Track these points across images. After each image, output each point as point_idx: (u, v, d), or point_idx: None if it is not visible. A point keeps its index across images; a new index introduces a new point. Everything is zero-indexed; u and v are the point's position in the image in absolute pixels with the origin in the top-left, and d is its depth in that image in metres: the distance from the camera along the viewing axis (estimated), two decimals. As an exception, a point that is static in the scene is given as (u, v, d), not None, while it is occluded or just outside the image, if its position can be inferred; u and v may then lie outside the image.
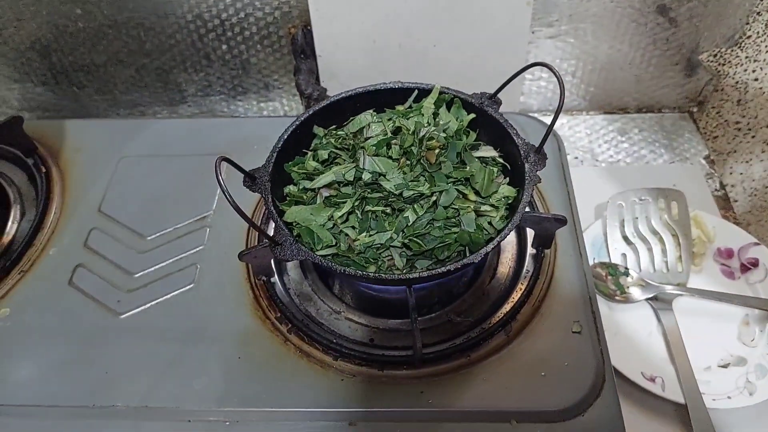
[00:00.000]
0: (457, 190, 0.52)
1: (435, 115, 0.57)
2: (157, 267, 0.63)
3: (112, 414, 0.53)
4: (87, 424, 0.52)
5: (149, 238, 0.65)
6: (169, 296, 0.60)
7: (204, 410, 0.52)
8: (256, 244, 0.63)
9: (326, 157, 0.56)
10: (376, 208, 0.52)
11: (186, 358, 0.55)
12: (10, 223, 0.69)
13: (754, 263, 0.68)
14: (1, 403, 0.54)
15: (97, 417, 0.53)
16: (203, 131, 0.76)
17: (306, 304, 0.60)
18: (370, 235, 0.51)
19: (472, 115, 0.58)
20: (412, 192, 0.51)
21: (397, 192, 0.51)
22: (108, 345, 0.57)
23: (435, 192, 0.52)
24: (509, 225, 0.49)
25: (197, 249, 0.64)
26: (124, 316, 0.59)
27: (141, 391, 0.53)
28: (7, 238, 0.68)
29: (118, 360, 0.56)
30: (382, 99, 0.60)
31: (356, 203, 0.52)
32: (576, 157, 0.85)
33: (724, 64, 0.82)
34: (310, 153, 0.58)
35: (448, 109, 0.59)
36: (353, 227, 0.52)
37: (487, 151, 0.56)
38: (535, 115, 0.91)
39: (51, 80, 0.92)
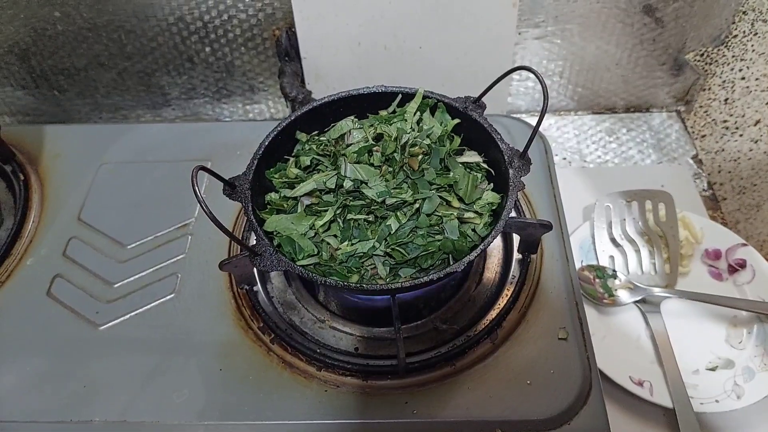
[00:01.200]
0: (440, 197, 0.51)
1: (419, 120, 0.56)
2: (137, 276, 0.61)
3: (90, 429, 0.51)
4: (64, 440, 0.51)
5: (129, 247, 0.64)
6: (149, 306, 0.59)
7: (184, 424, 0.51)
8: (238, 252, 0.62)
9: (308, 163, 0.55)
10: (358, 217, 0.51)
11: (166, 371, 0.54)
12: (-14, 233, 0.68)
13: (742, 264, 0.68)
14: (-25, 420, 0.52)
15: (75, 432, 0.51)
16: (186, 136, 0.75)
17: (290, 313, 0.59)
18: (353, 244, 0.50)
19: (456, 120, 0.57)
20: (394, 199, 0.50)
21: (379, 200, 0.50)
22: (87, 357, 0.56)
23: (418, 199, 0.51)
24: (493, 232, 0.48)
25: (178, 258, 0.62)
26: (103, 327, 0.58)
27: (120, 405, 0.52)
28: (-17, 248, 0.67)
29: (97, 373, 0.54)
30: (366, 103, 0.59)
31: (338, 211, 0.51)
32: (564, 158, 0.85)
33: (711, 64, 0.81)
34: (292, 159, 0.57)
35: (432, 113, 0.58)
36: (335, 236, 0.51)
37: (471, 157, 0.55)
38: (523, 116, 0.91)
39: (31, 84, 0.91)
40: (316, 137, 0.58)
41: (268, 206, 0.55)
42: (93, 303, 0.60)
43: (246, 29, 0.82)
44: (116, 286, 0.61)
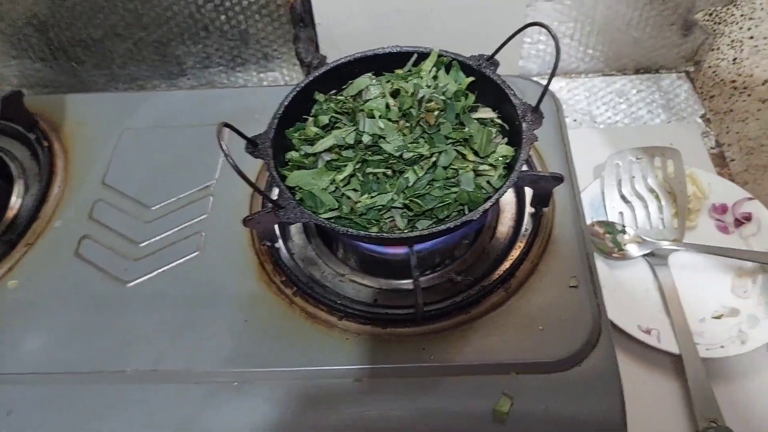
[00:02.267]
0: (456, 150, 0.53)
1: (434, 78, 0.57)
2: (162, 236, 0.64)
3: (123, 378, 0.54)
4: (99, 388, 0.54)
5: (153, 208, 0.66)
6: (174, 264, 0.61)
7: (212, 371, 0.54)
8: (261, 209, 0.64)
9: (327, 122, 0.57)
10: (377, 170, 0.53)
11: (194, 324, 0.57)
12: (14, 198, 0.70)
13: (748, 218, 0.70)
14: (14, 372, 0.55)
15: (109, 382, 0.54)
16: (204, 102, 0.77)
17: (310, 268, 0.61)
18: (372, 197, 0.52)
19: (471, 78, 0.58)
20: (412, 153, 0.52)
21: (397, 154, 0.52)
22: (117, 313, 0.58)
23: (434, 153, 0.52)
24: (507, 183, 0.50)
25: (201, 217, 0.65)
26: (131, 284, 0.60)
27: (151, 355, 0.55)
28: (11, 212, 0.69)
29: (128, 327, 0.57)
30: (382, 63, 0.60)
31: (357, 166, 0.53)
32: (575, 120, 0.86)
33: (719, 23, 0.82)
34: (311, 119, 0.59)
35: (447, 71, 0.59)
36: (355, 190, 0.53)
37: (486, 113, 0.56)
38: (535, 79, 0.91)
39: (49, 56, 0.92)
40: (334, 96, 0.60)
41: (289, 164, 0.57)
42: (120, 261, 0.62)
43: (260, -5, 0.83)
44: (142, 245, 0.63)
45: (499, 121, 0.56)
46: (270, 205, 0.52)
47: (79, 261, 0.63)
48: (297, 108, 0.59)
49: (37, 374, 0.55)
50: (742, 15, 0.79)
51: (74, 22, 0.86)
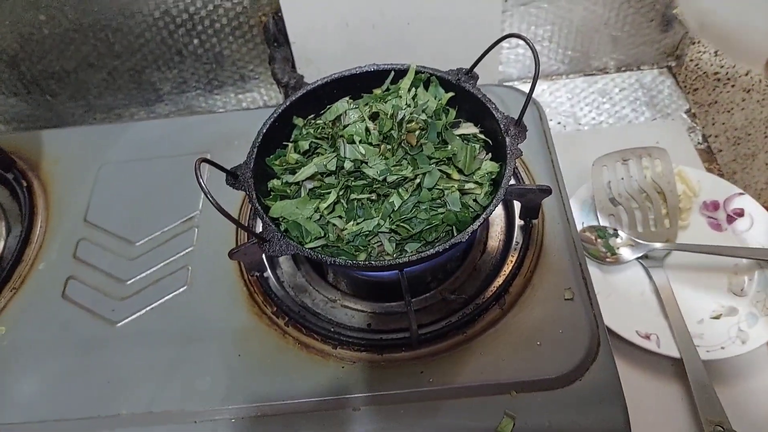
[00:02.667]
0: (440, 170, 0.52)
1: (414, 96, 0.56)
2: (148, 272, 0.62)
3: (117, 422, 0.53)
4: (95, 435, 0.53)
5: (138, 244, 0.65)
6: (163, 300, 0.60)
7: (209, 410, 0.53)
8: (245, 240, 0.63)
9: (307, 147, 0.56)
10: (361, 196, 0.52)
11: (186, 360, 0.56)
12: (-3, 241, 0.69)
13: (740, 213, 0.69)
14: (4, 422, 0.54)
15: (104, 427, 0.53)
16: (182, 130, 0.75)
17: (301, 296, 0.60)
18: (358, 224, 0.51)
19: (450, 94, 0.57)
20: (395, 176, 0.51)
21: (380, 178, 0.51)
22: (107, 354, 0.57)
23: (418, 174, 0.51)
24: (494, 201, 0.49)
25: (187, 251, 0.63)
26: (120, 324, 0.59)
27: (144, 396, 0.54)
28: (-5, 256, 0.68)
29: (119, 368, 0.56)
30: (360, 83, 0.59)
31: (341, 192, 0.52)
32: (559, 123, 0.85)
33: (699, 16, 0.81)
34: (291, 145, 0.58)
35: (426, 88, 0.58)
36: (340, 217, 0.52)
37: (468, 129, 0.55)
38: (515, 83, 0.91)
39: (22, 90, 0.91)
40: (313, 121, 0.59)
41: (272, 193, 0.56)
42: (108, 301, 0.61)
43: (232, 17, 0.82)
44: (129, 283, 0.62)
45: (482, 136, 0.56)
46: (255, 238, 0.50)
47: (67, 303, 0.61)
48: (276, 134, 0.57)
49: (29, 423, 0.54)
50: (719, 7, 0.79)
51: (45, 54, 0.85)
